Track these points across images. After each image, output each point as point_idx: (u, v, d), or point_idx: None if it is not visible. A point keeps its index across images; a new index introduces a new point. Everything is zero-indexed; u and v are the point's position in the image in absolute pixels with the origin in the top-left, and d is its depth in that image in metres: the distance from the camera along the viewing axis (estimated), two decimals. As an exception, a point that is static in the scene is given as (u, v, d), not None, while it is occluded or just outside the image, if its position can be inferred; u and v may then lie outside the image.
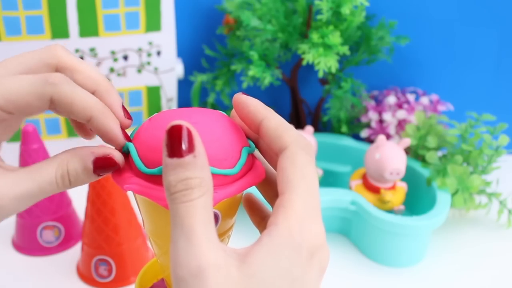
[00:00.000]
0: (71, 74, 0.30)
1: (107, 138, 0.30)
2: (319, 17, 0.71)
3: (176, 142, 0.25)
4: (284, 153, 0.28)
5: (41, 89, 0.28)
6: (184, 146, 0.25)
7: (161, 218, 0.30)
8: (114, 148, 0.30)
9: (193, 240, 0.24)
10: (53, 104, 0.29)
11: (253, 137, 0.32)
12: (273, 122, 0.29)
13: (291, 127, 0.29)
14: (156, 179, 0.28)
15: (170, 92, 0.81)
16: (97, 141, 0.31)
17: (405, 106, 0.79)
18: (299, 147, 0.28)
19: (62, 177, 0.28)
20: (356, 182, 0.71)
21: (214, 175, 0.28)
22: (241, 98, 0.30)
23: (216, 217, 0.30)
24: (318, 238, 0.26)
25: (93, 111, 0.29)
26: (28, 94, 0.28)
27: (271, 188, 0.32)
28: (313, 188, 0.27)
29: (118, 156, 0.29)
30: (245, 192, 0.32)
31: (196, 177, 0.25)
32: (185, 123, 0.25)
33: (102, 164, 0.29)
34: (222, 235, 0.32)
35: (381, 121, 0.81)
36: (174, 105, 0.82)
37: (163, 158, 0.25)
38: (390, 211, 0.70)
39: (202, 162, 0.25)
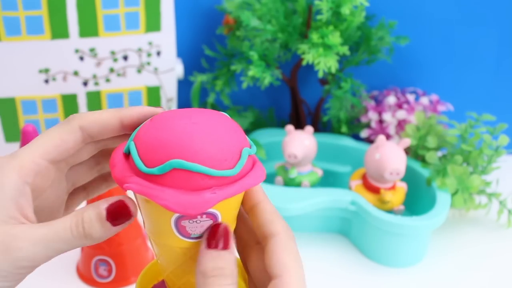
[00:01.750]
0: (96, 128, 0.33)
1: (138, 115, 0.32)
2: (319, 17, 0.71)
3: (217, 238, 0.30)
4: (276, 239, 0.31)
5: (69, 132, 0.32)
6: (222, 242, 0.30)
7: (161, 218, 0.30)
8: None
9: None
10: (87, 133, 0.32)
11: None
12: (270, 207, 0.32)
13: (281, 217, 0.32)
14: (155, 178, 0.28)
15: (170, 92, 0.81)
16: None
17: (405, 106, 0.79)
18: (289, 236, 0.31)
19: (76, 224, 0.29)
20: (356, 182, 0.71)
21: (213, 176, 0.28)
22: None
23: (215, 218, 0.30)
24: None
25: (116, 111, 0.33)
26: (68, 142, 0.32)
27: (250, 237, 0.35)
28: (303, 274, 0.31)
29: (130, 203, 0.30)
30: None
31: (229, 268, 0.29)
32: (225, 224, 0.30)
33: (114, 209, 0.30)
34: None
35: (381, 121, 0.81)
36: (174, 105, 0.82)
37: (201, 248, 0.30)
38: (390, 211, 0.70)
39: (234, 258, 0.30)
